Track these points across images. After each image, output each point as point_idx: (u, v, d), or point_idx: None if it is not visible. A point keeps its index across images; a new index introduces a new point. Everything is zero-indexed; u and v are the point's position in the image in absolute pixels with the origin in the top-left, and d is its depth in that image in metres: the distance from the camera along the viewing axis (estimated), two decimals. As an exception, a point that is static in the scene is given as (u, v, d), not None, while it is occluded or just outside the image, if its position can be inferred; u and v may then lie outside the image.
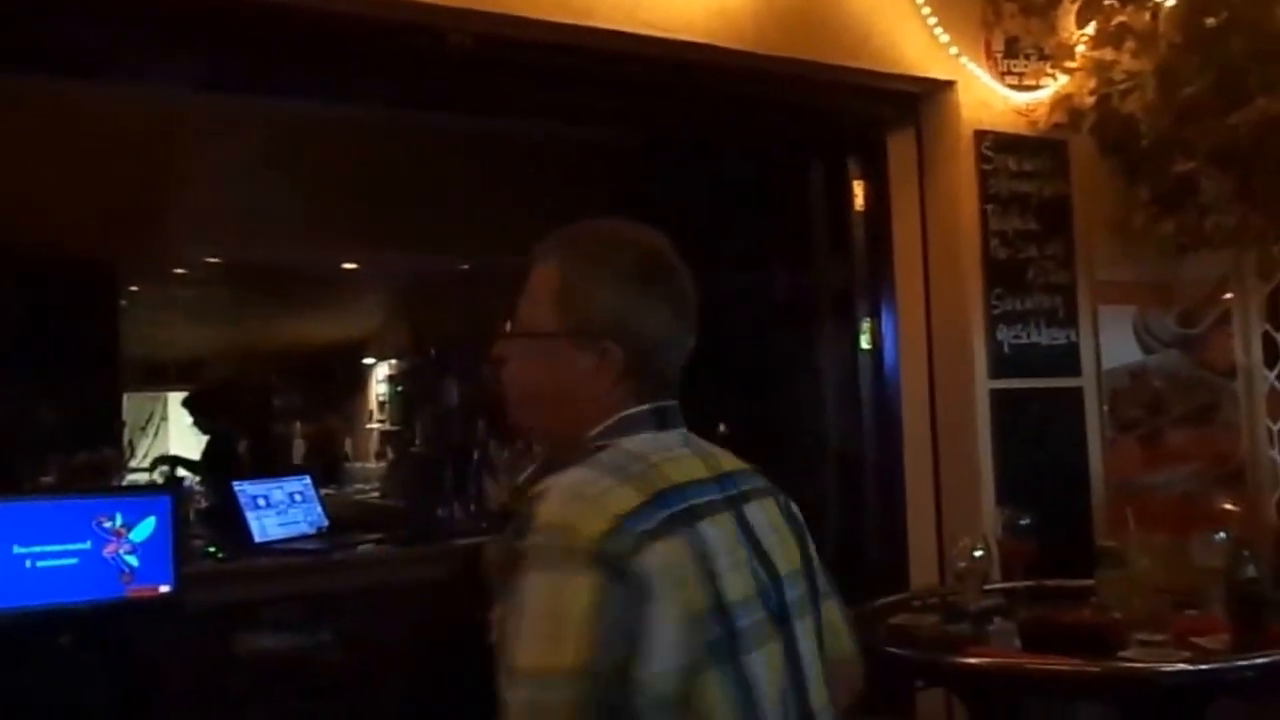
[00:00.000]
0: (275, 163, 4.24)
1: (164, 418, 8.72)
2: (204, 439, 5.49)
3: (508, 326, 1.28)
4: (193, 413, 5.71)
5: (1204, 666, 2.18)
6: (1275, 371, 3.69)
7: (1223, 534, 2.66)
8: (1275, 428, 3.64)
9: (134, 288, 6.52)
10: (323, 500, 4.37)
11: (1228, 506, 3.11)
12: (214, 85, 2.85)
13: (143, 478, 5.78)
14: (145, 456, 6.89)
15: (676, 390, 1.27)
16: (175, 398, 9.66)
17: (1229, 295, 3.51)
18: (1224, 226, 2.96)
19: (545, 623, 1.01)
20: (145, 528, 3.07)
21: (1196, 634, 2.37)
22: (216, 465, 5.13)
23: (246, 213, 4.51)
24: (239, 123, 3.94)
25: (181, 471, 5.33)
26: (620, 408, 1.20)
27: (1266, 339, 3.66)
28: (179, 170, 4.23)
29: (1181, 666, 2.15)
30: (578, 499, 1.06)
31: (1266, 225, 3.13)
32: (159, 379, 8.90)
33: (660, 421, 1.22)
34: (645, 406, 1.21)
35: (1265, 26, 2.87)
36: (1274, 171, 2.99)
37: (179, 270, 5.93)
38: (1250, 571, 2.42)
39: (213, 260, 5.59)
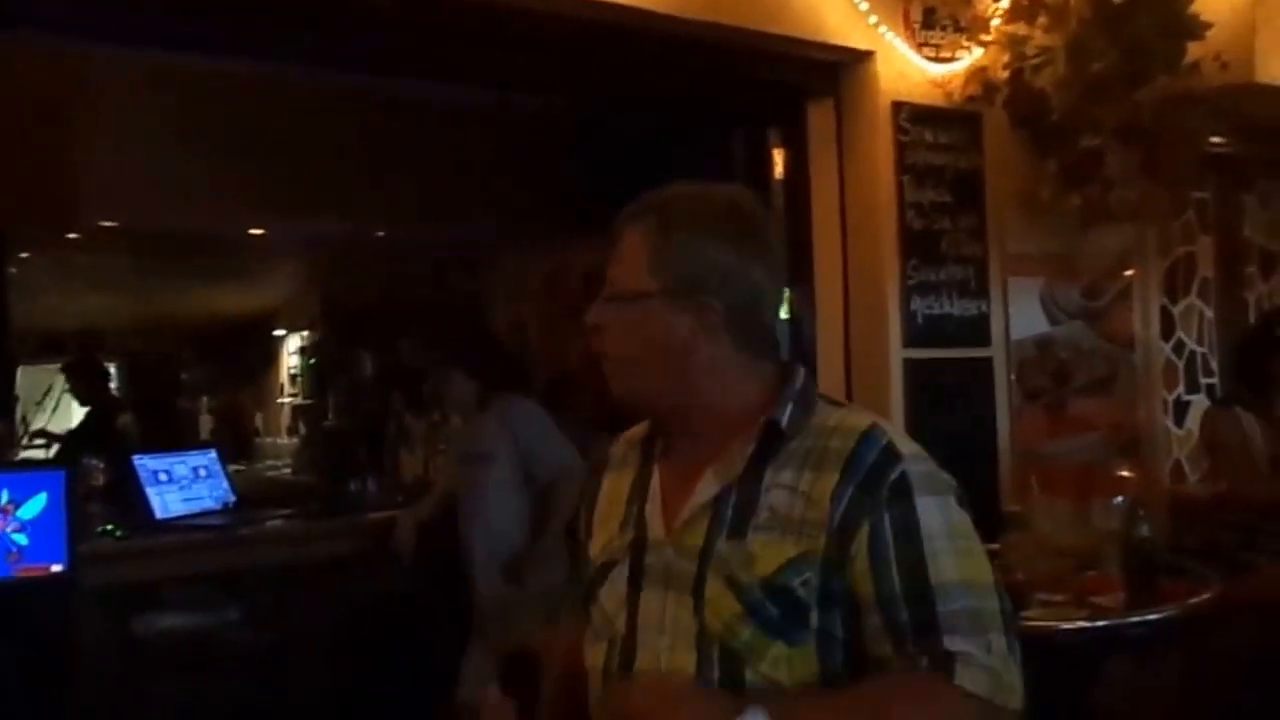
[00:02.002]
0: (178, 123, 4.07)
1: (65, 391, 8.38)
2: (85, 412, 5.31)
3: (602, 294, 1.24)
4: (70, 382, 5.50)
5: (1100, 623, 2.27)
6: (1171, 344, 3.84)
7: (1120, 499, 2.76)
8: (1170, 398, 3.80)
9: (24, 254, 6.23)
10: (230, 475, 4.24)
11: (1125, 473, 3.22)
12: (114, 38, 2.72)
13: (41, 455, 5.54)
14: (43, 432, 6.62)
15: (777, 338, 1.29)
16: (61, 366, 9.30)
17: (1131, 272, 3.63)
18: (1127, 201, 3.05)
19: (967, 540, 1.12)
20: (35, 505, 2.95)
21: (1095, 593, 2.46)
22: (92, 440, 4.94)
23: (146, 175, 4.33)
24: (140, 79, 3.77)
25: (48, 445, 5.15)
26: (749, 372, 1.21)
27: (1164, 313, 3.81)
28: (73, 129, 4.04)
29: (1079, 624, 2.24)
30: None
31: (1167, 201, 3.25)
32: (56, 351, 8.54)
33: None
34: (800, 377, 1.22)
35: (1170, 7, 2.96)
36: (1175, 148, 3.10)
37: (73, 235, 5.67)
38: (1144, 533, 2.52)
39: (109, 225, 5.35)
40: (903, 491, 1.11)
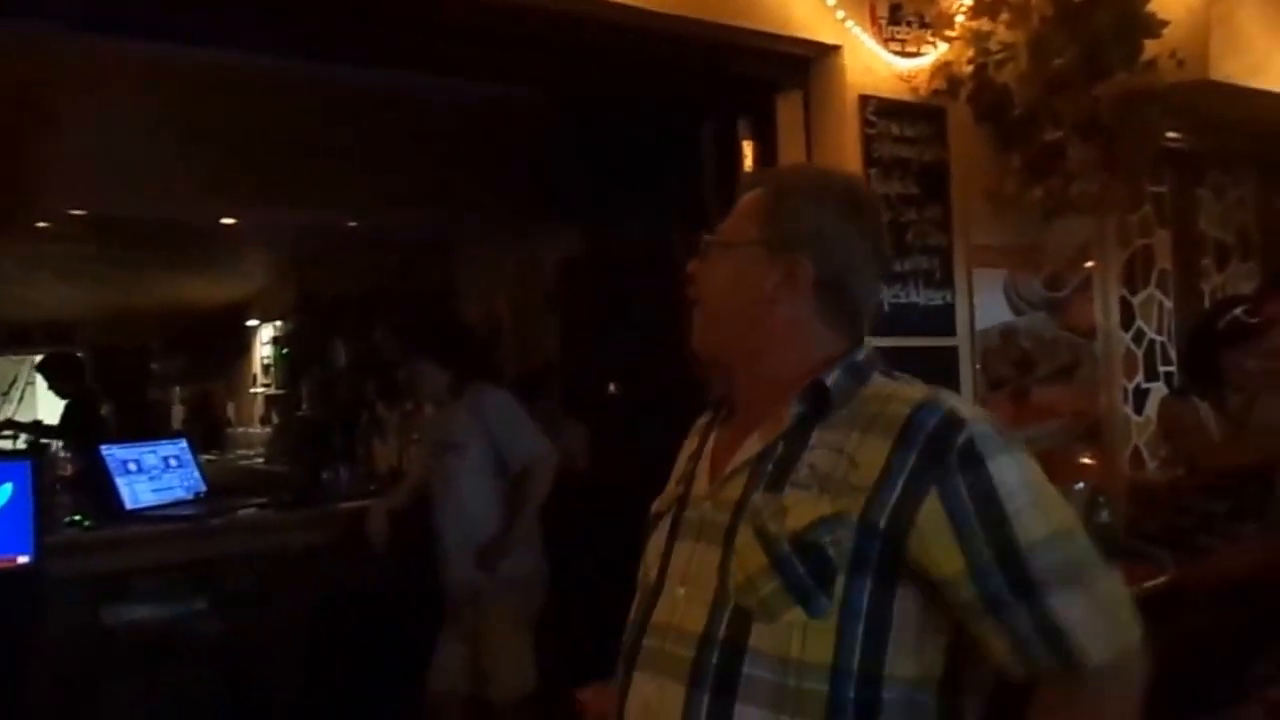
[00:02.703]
0: (149, 110, 4.03)
1: (29, 382, 8.28)
2: (66, 404, 5.27)
3: (702, 248, 1.29)
4: (48, 377, 5.46)
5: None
6: (1130, 333, 3.92)
7: (1080, 484, 2.82)
8: (1130, 386, 3.88)
9: (-10, 242, 6.16)
10: (201, 465, 4.23)
11: (1086, 460, 3.29)
12: (83, 22, 2.69)
13: (8, 445, 5.50)
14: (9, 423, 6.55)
15: (867, 330, 1.30)
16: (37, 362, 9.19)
17: (1091, 263, 3.70)
18: (1088, 194, 3.10)
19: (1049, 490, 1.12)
20: (0, 495, 2.93)
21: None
22: (75, 432, 4.92)
23: (116, 163, 4.28)
24: (110, 66, 3.73)
25: (32, 437, 5.10)
26: (819, 340, 1.23)
27: (1123, 303, 3.89)
28: (41, 116, 3.99)
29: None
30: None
31: (1126, 194, 3.31)
32: (22, 341, 8.45)
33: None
34: (863, 350, 1.24)
35: (1128, 5, 3.02)
36: (1133, 143, 3.16)
37: (42, 224, 5.60)
38: (1104, 518, 2.58)
39: (78, 213, 5.29)
40: (973, 455, 1.08)
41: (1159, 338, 4.02)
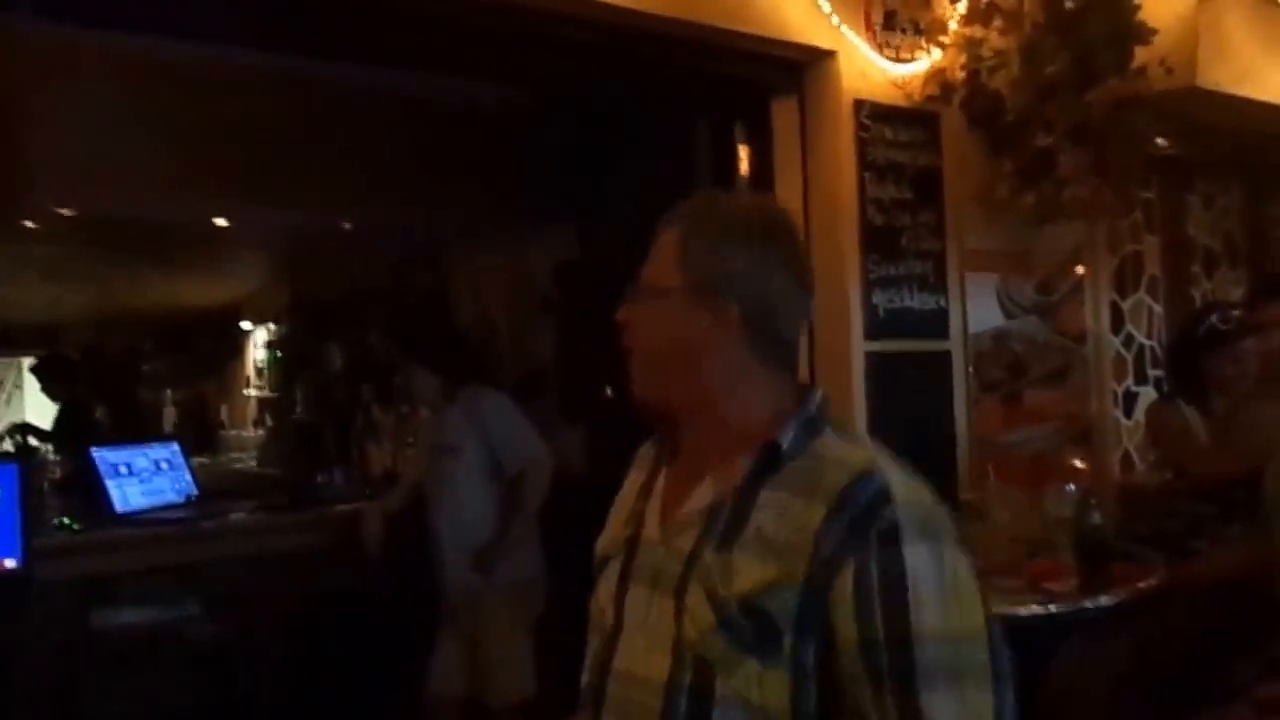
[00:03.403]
0: (139, 110, 4.02)
1: (17, 385, 8.25)
2: (60, 407, 5.24)
3: (630, 294, 1.27)
4: (41, 380, 5.44)
5: (1053, 609, 2.33)
6: (1121, 338, 3.96)
7: (1072, 487, 2.84)
8: (1119, 390, 3.91)
9: (-24, 243, 6.11)
10: (193, 468, 4.21)
11: (1077, 463, 3.32)
12: (72, 17, 2.69)
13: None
14: (-4, 426, 6.51)
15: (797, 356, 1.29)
16: (30, 363, 9.13)
17: (1082, 269, 3.73)
18: (1079, 199, 3.13)
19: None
20: (-13, 499, 2.91)
21: (1048, 579, 2.53)
22: (69, 435, 4.89)
23: (106, 163, 4.25)
24: (100, 65, 3.71)
25: (34, 441, 5.07)
26: (759, 384, 1.22)
27: (1114, 308, 3.92)
28: (30, 114, 3.96)
29: (1034, 610, 2.29)
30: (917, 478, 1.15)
31: (1116, 200, 3.34)
32: (10, 344, 8.40)
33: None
34: (815, 400, 1.22)
35: (1119, 13, 3.05)
36: (1123, 149, 3.19)
37: (30, 224, 5.56)
38: (1096, 520, 2.60)
39: (67, 214, 5.25)
40: (892, 536, 1.08)
41: (1149, 342, 4.06)
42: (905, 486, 1.12)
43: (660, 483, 1.28)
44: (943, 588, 1.07)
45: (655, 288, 1.24)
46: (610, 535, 1.31)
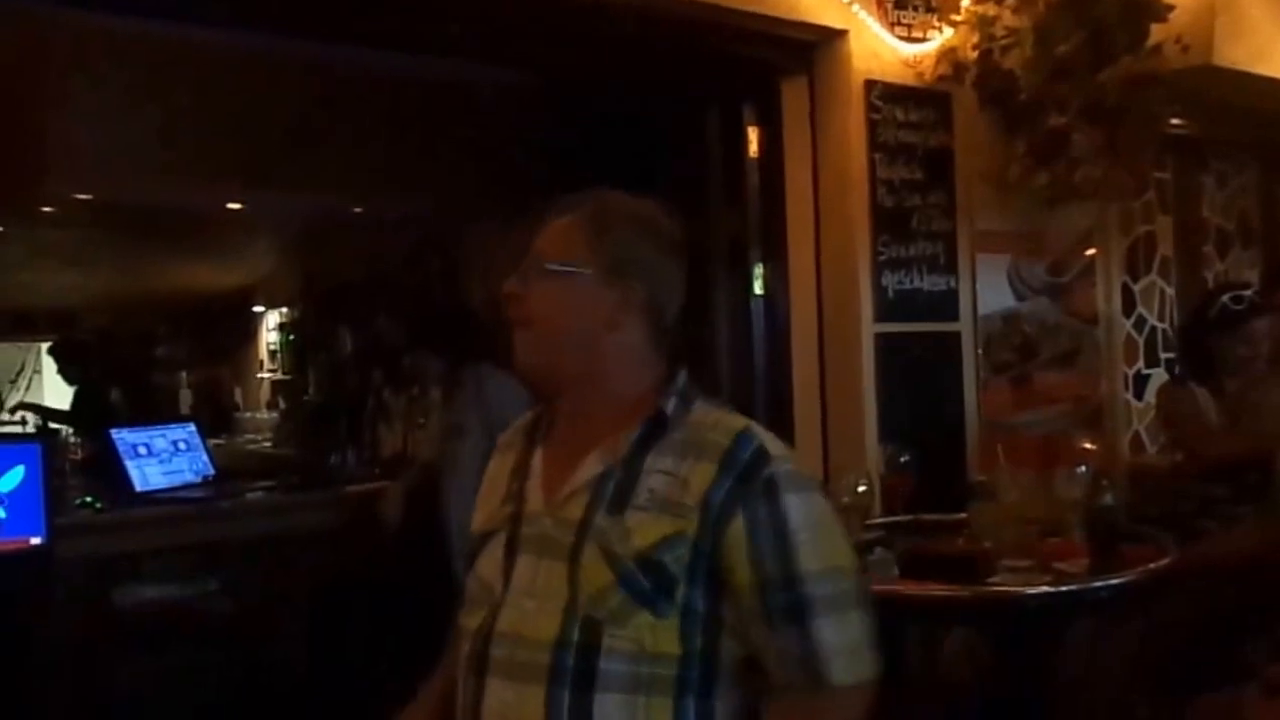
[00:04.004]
0: (154, 95, 4.04)
1: (37, 370, 8.31)
2: (76, 389, 5.29)
3: (524, 270, 1.32)
4: (58, 362, 5.48)
5: (1064, 588, 2.33)
6: (1132, 320, 3.94)
7: (1083, 467, 2.84)
8: (1130, 372, 3.90)
9: (-3, 229, 6.17)
10: (209, 449, 4.26)
11: (1087, 445, 3.31)
12: (88, 3, 2.70)
13: (18, 429, 5.53)
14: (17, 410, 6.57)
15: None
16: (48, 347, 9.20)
17: (1094, 250, 3.71)
18: (1091, 179, 3.11)
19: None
20: (12, 478, 2.95)
21: (1059, 559, 2.53)
22: (85, 417, 4.94)
23: (122, 148, 4.29)
24: (116, 50, 3.73)
25: (39, 421, 5.13)
26: (648, 364, 1.33)
27: (1125, 290, 3.91)
28: (46, 100, 3.99)
29: (1044, 589, 2.29)
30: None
31: (1130, 180, 3.32)
32: (28, 327, 8.47)
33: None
34: (682, 376, 1.34)
35: (1133, -10, 3.02)
36: (1138, 128, 3.17)
37: (47, 209, 5.60)
38: (1108, 500, 2.60)
39: (83, 198, 5.28)
40: (773, 488, 1.23)
41: (1160, 324, 4.04)
42: (776, 444, 1.27)
43: (537, 462, 1.35)
44: (817, 530, 1.24)
45: (565, 266, 1.30)
46: (487, 514, 1.37)
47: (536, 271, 1.31)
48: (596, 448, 1.28)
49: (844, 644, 1.23)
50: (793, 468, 1.27)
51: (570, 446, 1.31)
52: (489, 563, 1.32)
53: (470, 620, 1.32)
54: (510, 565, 1.29)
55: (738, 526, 1.21)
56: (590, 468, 1.28)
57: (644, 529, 1.22)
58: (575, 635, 1.21)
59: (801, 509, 1.24)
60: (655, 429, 1.28)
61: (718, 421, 1.29)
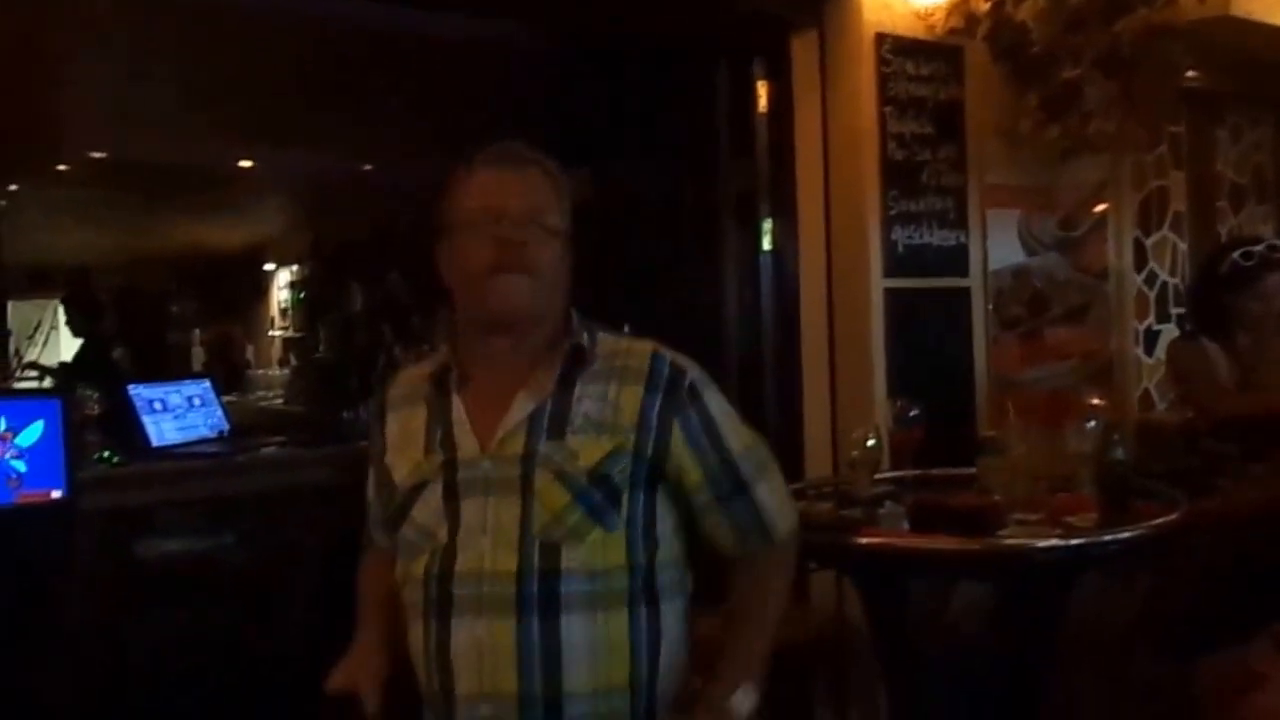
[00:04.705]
0: (167, 53, 4.03)
1: (53, 326, 8.36)
2: (80, 344, 5.32)
3: (526, 221, 1.39)
4: (68, 314, 5.51)
5: (1073, 542, 2.35)
6: (1143, 275, 3.92)
7: (1093, 422, 2.85)
8: (1141, 327, 3.88)
9: (13, 186, 6.18)
10: (224, 405, 4.30)
11: (1096, 400, 3.31)
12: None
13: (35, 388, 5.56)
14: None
15: None
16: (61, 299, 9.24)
17: (1105, 205, 3.68)
18: (1105, 132, 3.08)
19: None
20: (33, 432, 2.98)
21: (1068, 513, 2.54)
22: (88, 372, 4.96)
23: (135, 106, 4.28)
24: (130, 8, 3.71)
25: (45, 380, 5.16)
26: (565, 306, 1.46)
27: (1137, 244, 3.88)
28: (61, 59, 3.99)
29: (1053, 542, 2.30)
30: None
31: (1143, 133, 3.29)
32: (46, 285, 8.50)
33: None
34: (576, 315, 1.48)
35: (1150, -62, 2.97)
36: (1153, 81, 3.13)
37: (62, 167, 5.61)
38: (1119, 455, 2.60)
39: (98, 156, 5.29)
40: (695, 392, 1.43)
41: (1172, 280, 4.01)
42: (679, 356, 1.45)
43: (459, 410, 1.42)
44: (731, 417, 1.47)
45: (554, 227, 1.42)
46: (412, 465, 1.43)
47: (534, 224, 1.39)
48: (522, 389, 1.39)
49: (780, 500, 1.50)
50: (702, 373, 1.45)
51: (493, 391, 1.40)
52: (425, 510, 1.39)
53: (414, 567, 1.39)
54: (454, 509, 1.36)
55: (677, 435, 1.39)
56: (522, 406, 1.38)
57: (587, 448, 1.35)
58: (535, 563, 1.32)
59: (716, 403, 1.45)
60: (576, 362, 1.41)
61: (629, 348, 1.45)
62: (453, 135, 5.01)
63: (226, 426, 4.12)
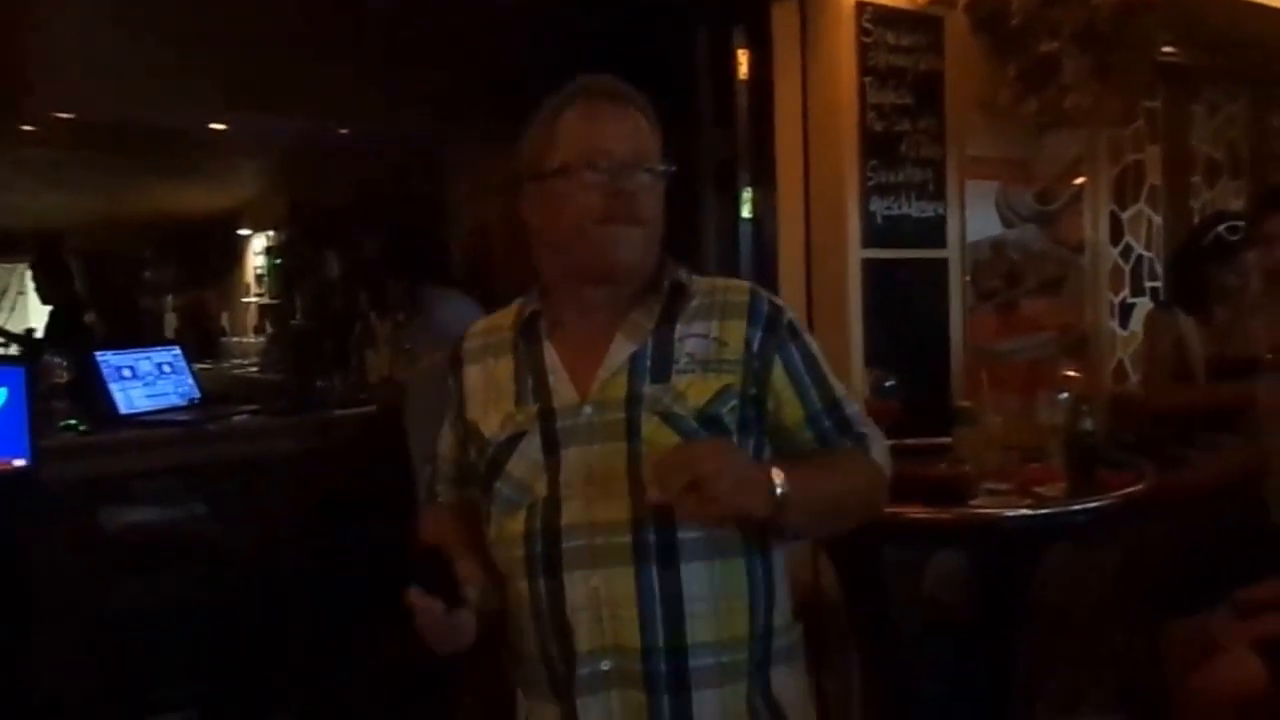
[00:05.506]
0: (136, 9, 3.93)
1: (20, 291, 8.25)
2: (50, 310, 5.25)
3: (635, 169, 1.32)
4: (36, 280, 5.42)
5: (1042, 511, 2.38)
6: (1119, 249, 3.95)
7: (1064, 394, 2.87)
8: (1116, 300, 3.92)
9: (-26, 146, 6.05)
10: (195, 372, 4.25)
11: (1070, 372, 3.34)
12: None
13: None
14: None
15: None
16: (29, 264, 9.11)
17: (1082, 179, 3.70)
18: (1081, 106, 3.09)
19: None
20: (-4, 400, 2.95)
21: (1038, 483, 2.57)
22: (60, 339, 4.90)
23: (103, 65, 4.19)
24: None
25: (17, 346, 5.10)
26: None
27: (1113, 218, 3.90)
28: (25, 14, 3.89)
29: (1022, 511, 2.33)
30: None
31: (1120, 107, 3.30)
32: (11, 249, 8.38)
33: None
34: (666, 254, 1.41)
35: (1130, -89, 2.96)
36: (1130, 55, 3.14)
37: (27, 127, 5.49)
38: (1087, 426, 2.63)
39: (64, 116, 5.18)
40: (795, 329, 1.38)
41: (1147, 254, 4.05)
42: (773, 295, 1.41)
43: (550, 356, 1.36)
44: (827, 362, 1.41)
45: (655, 169, 1.34)
46: (503, 417, 1.35)
47: (646, 172, 1.32)
48: (619, 330, 1.33)
49: (882, 446, 1.42)
50: (793, 312, 1.41)
51: (587, 337, 1.34)
52: (522, 463, 1.31)
53: (512, 524, 1.31)
54: (554, 461, 1.29)
55: (779, 370, 1.34)
56: (621, 349, 1.32)
57: (695, 388, 1.29)
58: (650, 510, 1.24)
59: (815, 345, 1.40)
60: (676, 300, 1.35)
61: (726, 285, 1.39)
62: (428, 98, 4.99)
63: (197, 394, 4.08)
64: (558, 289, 1.38)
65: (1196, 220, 4.07)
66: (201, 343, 7.54)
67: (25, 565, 3.12)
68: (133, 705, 3.27)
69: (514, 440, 1.32)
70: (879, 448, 1.41)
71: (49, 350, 4.77)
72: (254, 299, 9.29)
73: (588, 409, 1.29)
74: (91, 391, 3.74)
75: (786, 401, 1.35)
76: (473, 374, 1.42)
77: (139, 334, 6.03)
